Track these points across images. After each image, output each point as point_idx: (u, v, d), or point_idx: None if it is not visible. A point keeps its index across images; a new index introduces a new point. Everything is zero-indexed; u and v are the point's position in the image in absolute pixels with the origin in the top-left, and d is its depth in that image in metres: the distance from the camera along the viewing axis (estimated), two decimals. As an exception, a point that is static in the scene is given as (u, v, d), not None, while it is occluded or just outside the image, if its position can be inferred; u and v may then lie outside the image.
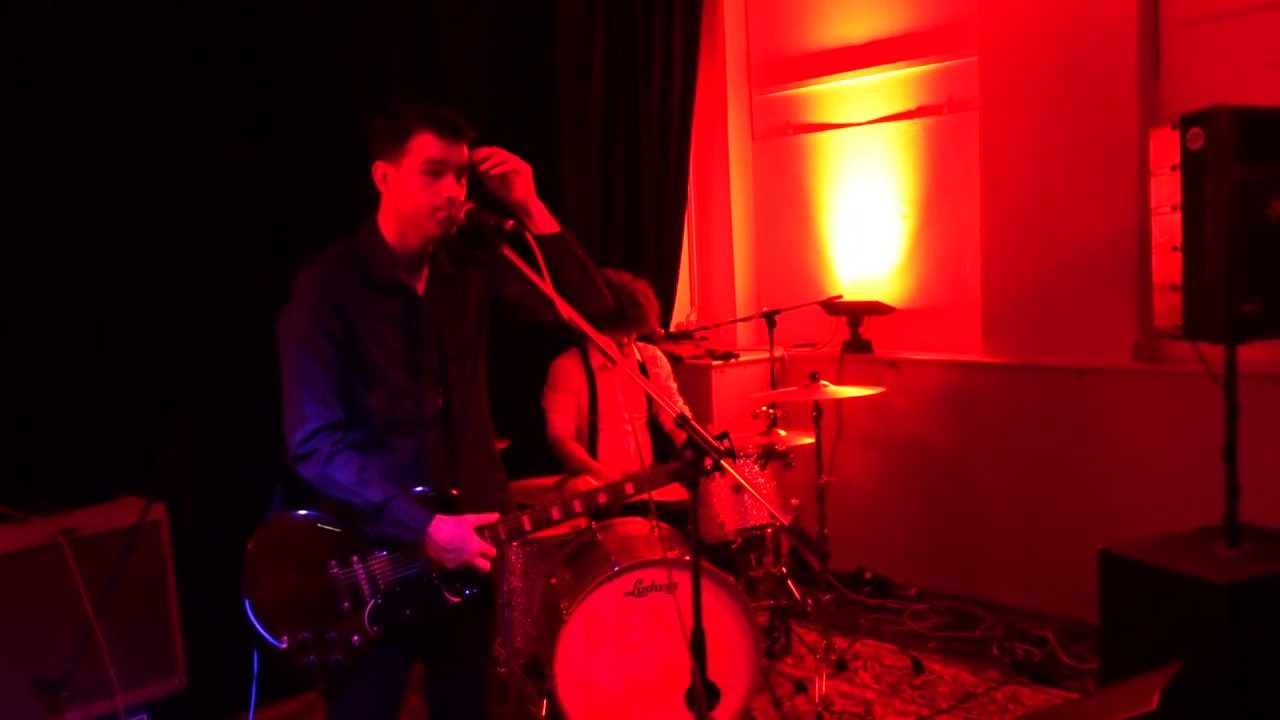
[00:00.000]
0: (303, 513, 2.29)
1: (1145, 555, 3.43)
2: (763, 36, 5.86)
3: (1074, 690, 3.88)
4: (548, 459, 4.16)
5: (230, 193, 3.79)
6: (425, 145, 2.25)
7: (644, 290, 4.12)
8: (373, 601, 2.27)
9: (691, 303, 6.02)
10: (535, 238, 2.24)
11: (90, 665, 3.17)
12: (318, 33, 3.94)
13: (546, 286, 2.08)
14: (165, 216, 3.67)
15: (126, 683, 3.27)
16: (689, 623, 2.03)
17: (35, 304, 3.43)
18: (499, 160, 2.34)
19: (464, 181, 2.30)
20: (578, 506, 2.32)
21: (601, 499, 2.32)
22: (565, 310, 2.10)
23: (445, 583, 2.30)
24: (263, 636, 2.22)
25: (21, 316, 3.41)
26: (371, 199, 2.37)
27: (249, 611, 2.22)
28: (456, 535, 2.22)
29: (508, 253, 2.16)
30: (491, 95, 4.56)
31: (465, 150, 2.30)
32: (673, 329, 5.62)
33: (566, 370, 4.21)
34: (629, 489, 2.31)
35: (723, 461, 1.82)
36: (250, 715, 2.36)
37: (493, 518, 2.29)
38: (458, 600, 2.31)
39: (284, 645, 2.22)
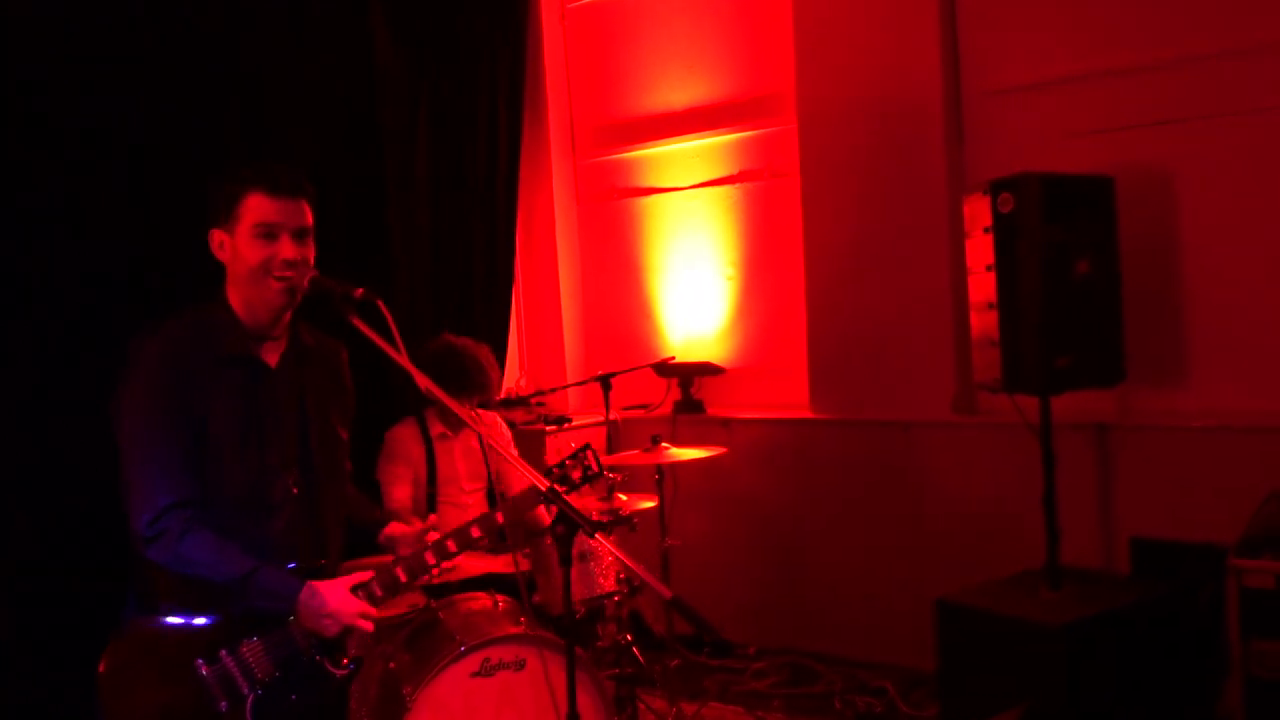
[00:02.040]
0: (157, 616, 2.08)
1: (979, 602, 3.56)
2: (586, 103, 5.92)
3: (916, 738, 3.96)
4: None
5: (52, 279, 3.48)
6: (257, 207, 2.14)
7: (486, 355, 4.03)
8: (252, 695, 2.09)
9: (521, 368, 5.95)
10: None
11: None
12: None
13: (401, 358, 1.98)
14: None
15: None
16: (563, 705, 1.95)
17: None
18: None
19: (309, 243, 2.18)
20: (452, 546, 2.20)
21: (475, 533, 2.21)
22: (422, 381, 2.00)
23: (327, 656, 2.15)
24: None
25: None
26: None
27: None
28: (332, 598, 2.06)
29: (357, 323, 2.04)
30: (317, 166, 4.38)
31: (305, 208, 2.19)
32: (502, 395, 5.52)
33: (403, 440, 4.04)
34: (499, 518, 2.22)
35: (597, 534, 1.75)
36: None
37: (367, 575, 2.14)
38: (344, 673, 2.18)
39: None
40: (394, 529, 2.48)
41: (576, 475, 2.37)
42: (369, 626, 2.12)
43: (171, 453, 2.08)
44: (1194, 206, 4.03)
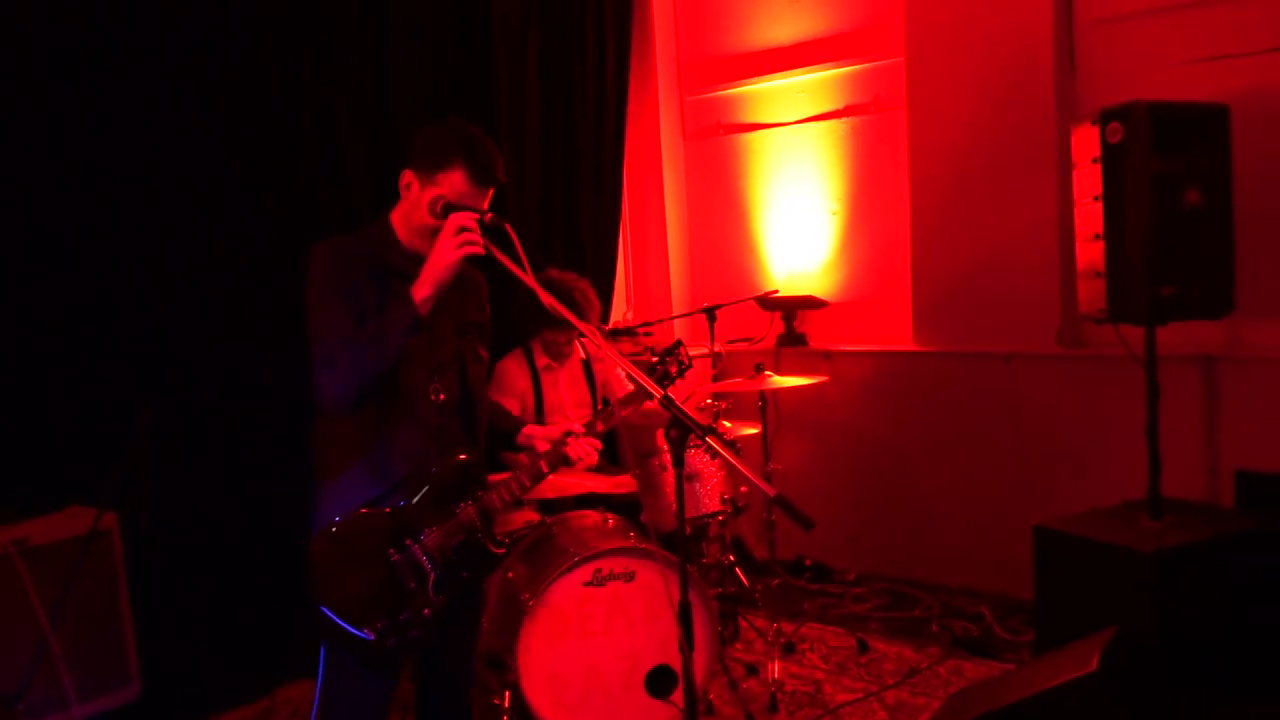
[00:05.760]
0: (345, 514, 2.37)
1: (1076, 529, 3.61)
2: (692, 39, 5.98)
3: (1012, 662, 4.05)
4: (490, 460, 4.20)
5: (182, 198, 3.78)
6: (455, 183, 2.31)
7: (586, 287, 4.18)
8: (434, 574, 2.38)
9: (628, 300, 6.11)
10: None
11: (44, 677, 3.12)
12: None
13: (527, 278, 2.14)
14: (120, 221, 3.63)
15: (82, 694, 3.23)
16: (677, 596, 2.13)
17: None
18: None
19: None
20: (600, 427, 2.71)
21: (600, 427, 2.72)
22: (547, 299, 2.16)
23: (489, 539, 2.48)
24: (349, 632, 2.32)
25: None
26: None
27: (332, 616, 2.31)
28: (429, 262, 2.27)
29: (486, 244, 2.21)
30: (431, 99, 4.58)
31: (489, 196, 2.37)
32: (609, 327, 5.69)
33: (511, 372, 4.24)
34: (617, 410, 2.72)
35: (708, 439, 1.90)
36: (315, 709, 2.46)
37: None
38: (502, 551, 2.49)
39: (372, 638, 2.32)
40: (531, 429, 2.81)
41: (674, 370, 2.72)
42: (474, 250, 2.24)
43: (347, 312, 2.29)
44: (1315, 135, 3.94)
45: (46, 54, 3.43)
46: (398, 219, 2.43)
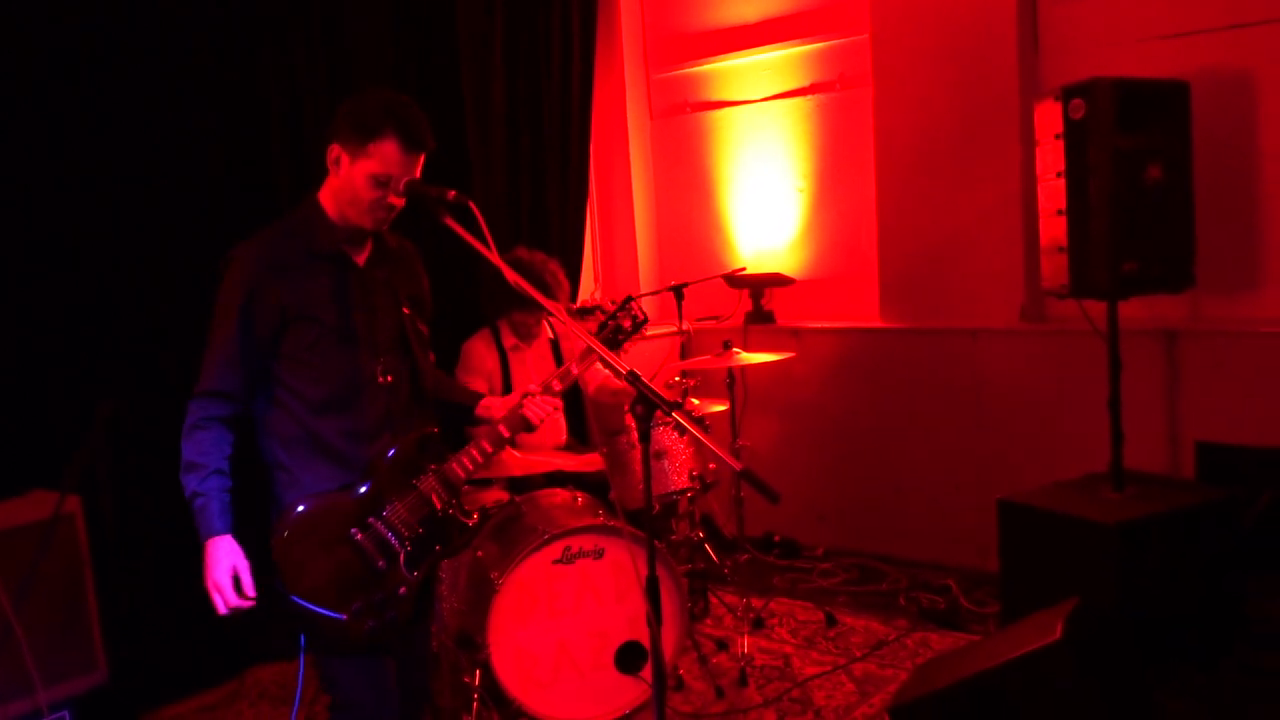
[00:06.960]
0: (307, 500, 2.32)
1: (1040, 502, 3.66)
2: (658, 17, 5.95)
3: (978, 633, 4.10)
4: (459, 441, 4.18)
5: (182, 198, 3.76)
6: (387, 153, 2.24)
7: (555, 266, 4.16)
8: (404, 551, 2.34)
9: (595, 279, 6.10)
10: None
11: (8, 662, 3.09)
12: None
13: (492, 255, 2.13)
14: (120, 221, 3.62)
15: (47, 679, 3.20)
16: (644, 571, 2.13)
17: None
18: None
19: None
20: (556, 385, 2.57)
21: (555, 385, 2.57)
22: (512, 277, 2.15)
23: (460, 511, 2.43)
24: (324, 615, 2.26)
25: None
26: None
27: (303, 603, 2.24)
28: (214, 564, 2.26)
29: (450, 223, 2.19)
30: (396, 81, 4.54)
31: (422, 161, 2.32)
32: (577, 305, 5.67)
33: (478, 352, 4.22)
34: (573, 370, 2.58)
35: (674, 414, 1.90)
36: (295, 704, 2.38)
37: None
38: (473, 521, 2.47)
39: (344, 617, 2.26)
40: (489, 400, 2.69)
41: (627, 324, 2.58)
42: (220, 609, 2.27)
43: (225, 349, 2.25)
44: (1272, 111, 3.98)
45: (46, 54, 3.41)
46: (326, 196, 2.37)
